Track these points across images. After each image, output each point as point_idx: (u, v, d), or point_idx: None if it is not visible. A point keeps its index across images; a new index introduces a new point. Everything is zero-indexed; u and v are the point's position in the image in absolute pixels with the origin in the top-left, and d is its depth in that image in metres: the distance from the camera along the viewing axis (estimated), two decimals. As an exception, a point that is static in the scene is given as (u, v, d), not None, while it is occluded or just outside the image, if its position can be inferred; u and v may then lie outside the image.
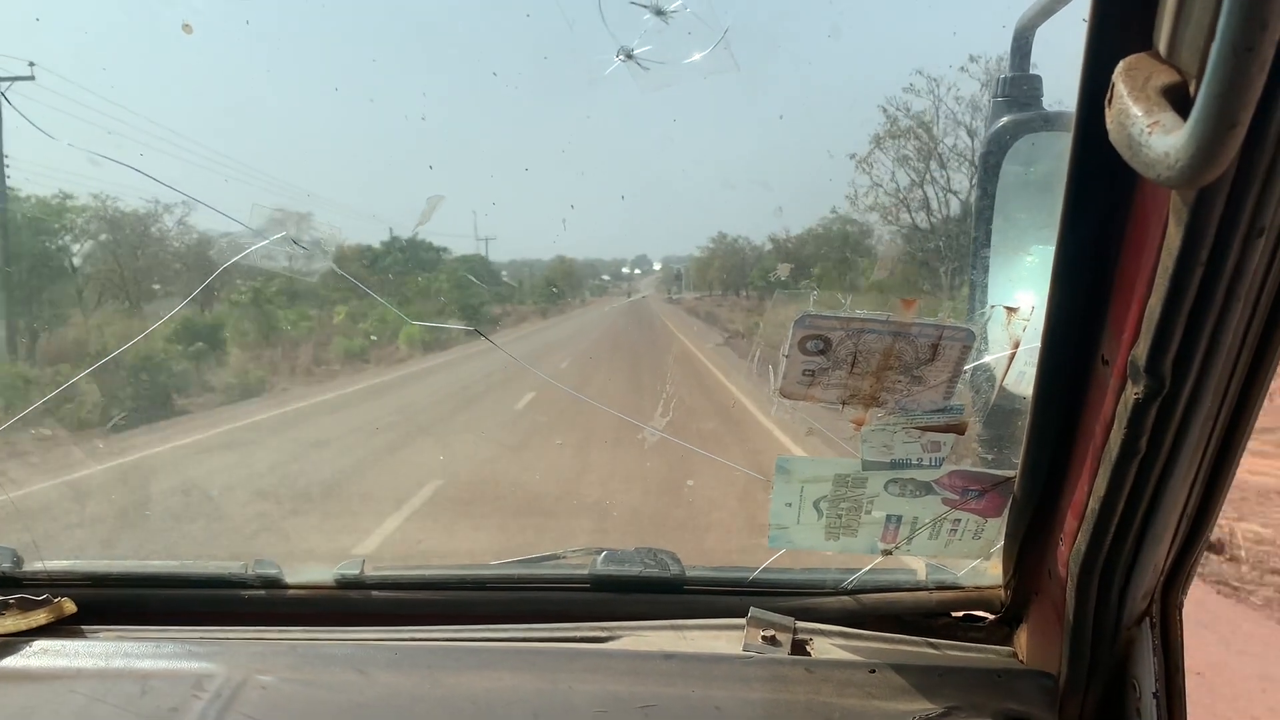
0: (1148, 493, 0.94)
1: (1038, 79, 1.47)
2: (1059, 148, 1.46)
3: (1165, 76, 0.70)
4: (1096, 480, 0.98)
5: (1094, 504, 0.99)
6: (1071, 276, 0.93)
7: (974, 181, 1.42)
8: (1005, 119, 1.45)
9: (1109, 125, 0.72)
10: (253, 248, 1.30)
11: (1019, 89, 1.47)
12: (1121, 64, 0.72)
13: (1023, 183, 1.43)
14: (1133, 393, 0.87)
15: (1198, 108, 0.59)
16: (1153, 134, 0.66)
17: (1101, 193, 0.88)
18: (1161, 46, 0.71)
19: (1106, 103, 0.73)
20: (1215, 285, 0.75)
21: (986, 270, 1.40)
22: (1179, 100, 0.68)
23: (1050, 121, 1.43)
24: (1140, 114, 0.68)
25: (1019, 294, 1.23)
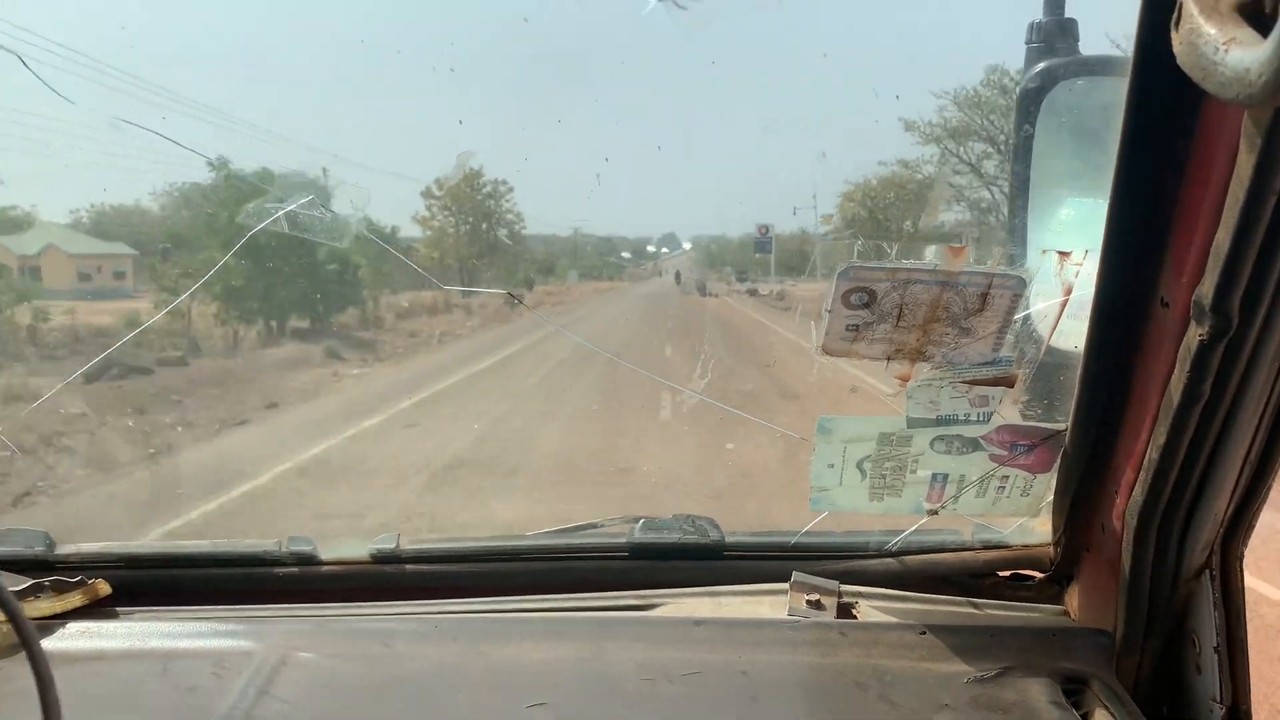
0: (1210, 439, 0.91)
1: (1073, 23, 1.42)
2: (1098, 93, 1.42)
3: (1238, -6, 0.66)
4: (1156, 428, 0.95)
5: (1153, 454, 0.96)
6: (1128, 217, 0.90)
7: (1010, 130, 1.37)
8: (1041, 65, 1.40)
9: (1177, 48, 0.68)
10: (279, 212, 1.28)
11: (1054, 34, 1.42)
12: None
13: (1060, 130, 1.39)
14: (1197, 334, 0.83)
15: (1283, 19, 0.56)
16: (1229, 51, 0.62)
17: (1161, 127, 0.84)
18: (1234, -38, 0.67)
19: (1173, 25, 0.69)
20: (1289, 214, 0.72)
21: (1023, 223, 1.36)
22: (1255, 18, 0.64)
23: (1089, 66, 1.38)
24: (1214, 33, 0.64)
25: (1056, 244, 1.19)
